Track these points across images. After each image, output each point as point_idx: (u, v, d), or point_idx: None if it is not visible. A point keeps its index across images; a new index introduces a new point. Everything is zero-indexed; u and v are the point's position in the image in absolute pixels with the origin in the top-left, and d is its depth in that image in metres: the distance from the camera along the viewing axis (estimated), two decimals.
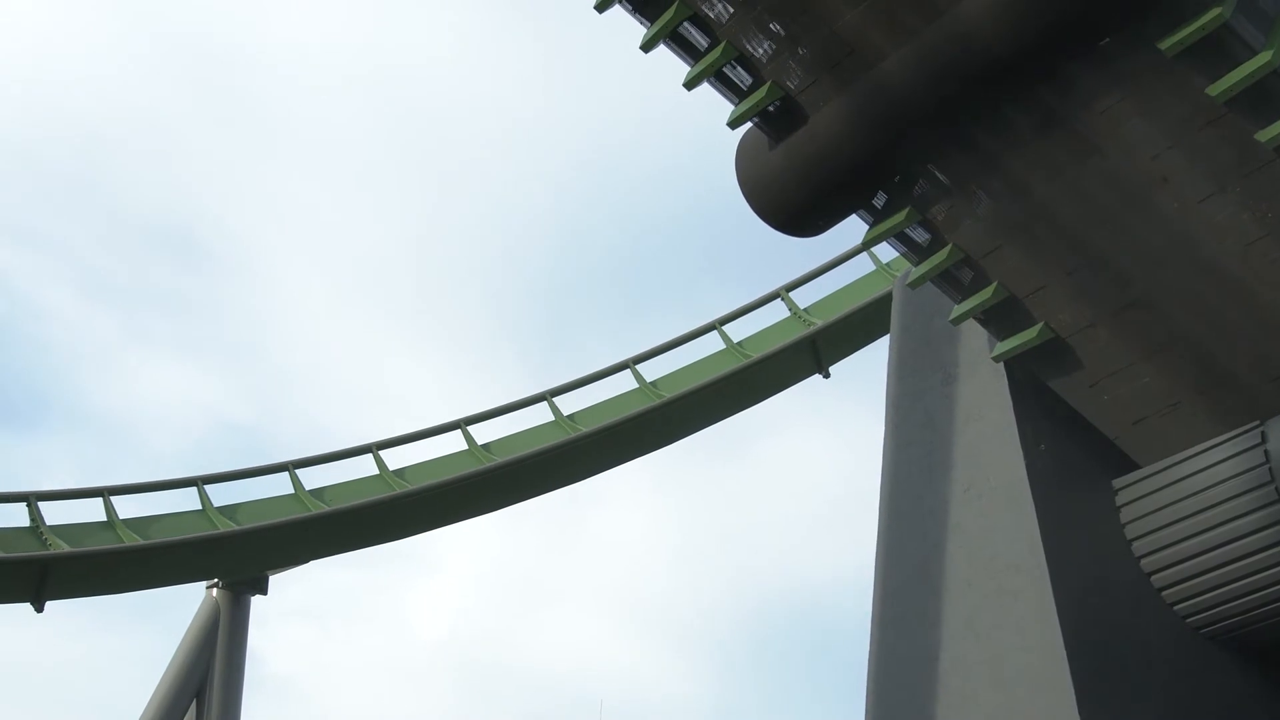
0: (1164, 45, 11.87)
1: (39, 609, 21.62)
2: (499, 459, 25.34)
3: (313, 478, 24.77)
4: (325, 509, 24.08)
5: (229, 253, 62.15)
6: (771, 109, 13.95)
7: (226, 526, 22.88)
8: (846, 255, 28.02)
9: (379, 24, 61.19)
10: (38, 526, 23.00)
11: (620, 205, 62.25)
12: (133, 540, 22.73)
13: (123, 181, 61.79)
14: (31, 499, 23.38)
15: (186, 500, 24.25)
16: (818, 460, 61.08)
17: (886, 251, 24.55)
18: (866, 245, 15.65)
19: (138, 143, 61.40)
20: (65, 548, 22.49)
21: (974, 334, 15.12)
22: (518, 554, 59.85)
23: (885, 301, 25.33)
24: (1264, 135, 12.02)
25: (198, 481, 24.29)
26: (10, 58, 60.84)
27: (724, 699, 59.64)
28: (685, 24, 13.80)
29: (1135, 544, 14.30)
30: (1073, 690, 13.13)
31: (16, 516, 23.33)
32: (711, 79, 14.05)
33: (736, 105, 14.08)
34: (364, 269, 62.13)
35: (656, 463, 25.92)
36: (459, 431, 25.77)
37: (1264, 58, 11.75)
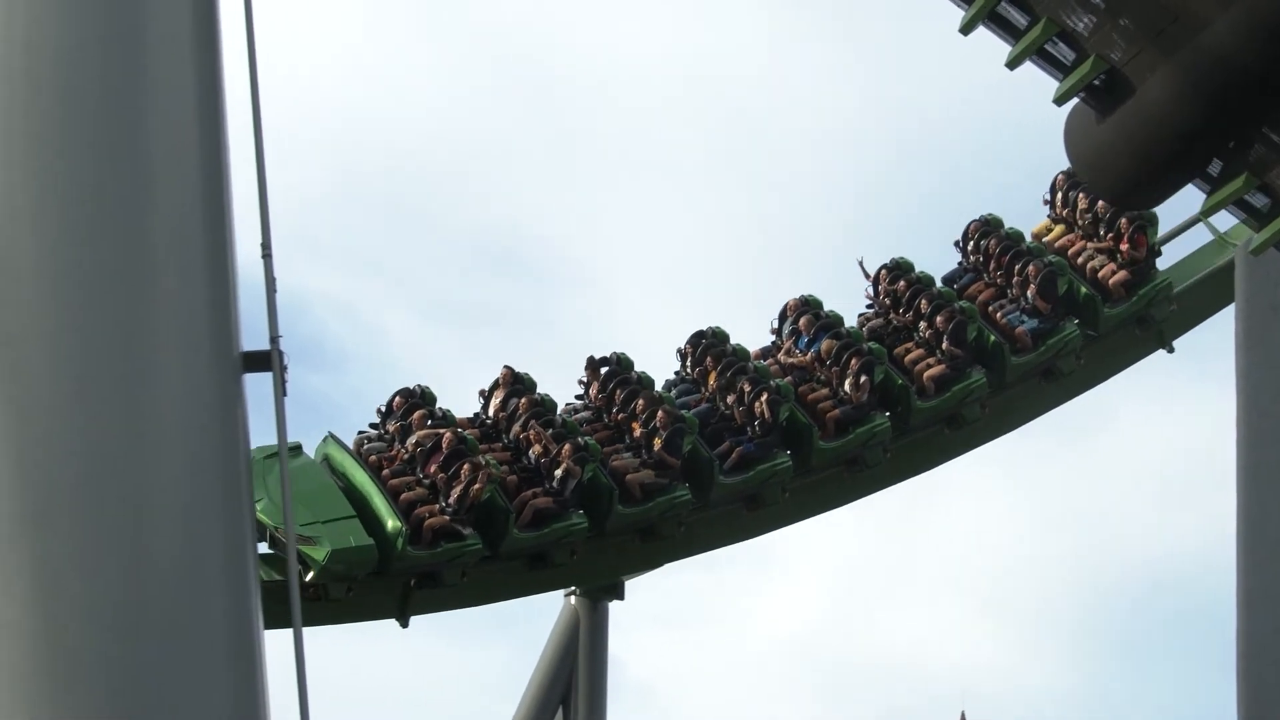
0: None
1: (404, 624, 22.08)
2: None
3: None
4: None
5: (558, 267, 63.13)
6: (1097, 83, 13.78)
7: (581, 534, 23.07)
8: (1183, 226, 27.47)
9: (693, 37, 61.57)
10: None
11: (939, 190, 61.62)
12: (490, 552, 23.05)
13: (452, 204, 63.22)
14: None
15: None
16: (1163, 437, 59.65)
17: (1225, 220, 24.00)
18: (1205, 214, 15.34)
19: (466, 166, 62.74)
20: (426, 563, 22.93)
21: None
22: (864, 549, 59.65)
23: (1228, 271, 24.78)
24: None
25: None
26: (347, 98, 62.72)
27: (1083, 683, 58.64)
28: (1003, 3, 13.73)
29: None
30: None
31: None
32: (1034, 57, 13.96)
33: (1061, 82, 13.95)
34: (696, 273, 62.55)
35: (999, 450, 25.79)
36: None
37: None
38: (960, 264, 26.84)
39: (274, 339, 10.32)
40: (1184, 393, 54.79)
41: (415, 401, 23.23)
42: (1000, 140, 62.39)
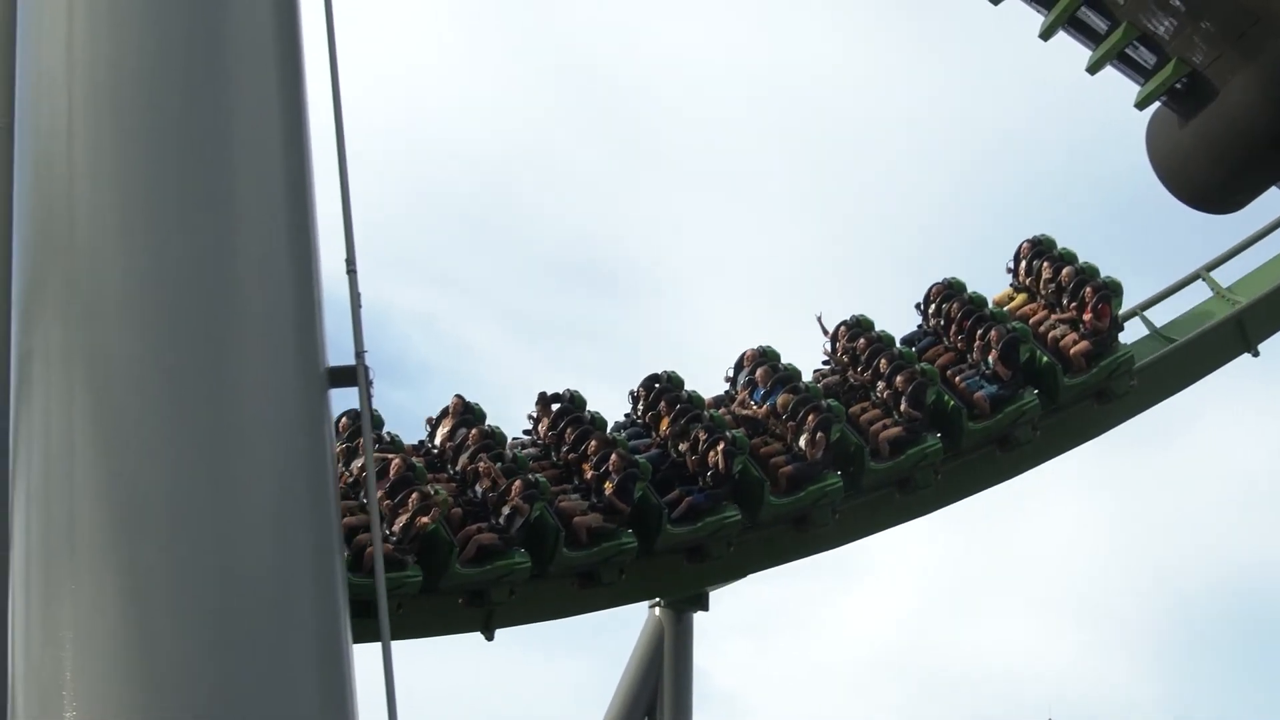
0: None
1: (489, 638, 22.11)
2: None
3: None
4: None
5: (639, 279, 63.38)
6: (1178, 86, 13.76)
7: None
8: (1268, 229, 27.25)
9: (768, 49, 61.71)
10: None
11: (1021, 198, 61.47)
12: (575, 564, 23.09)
13: (532, 219, 63.56)
14: None
15: None
16: (1249, 440, 59.22)
17: None
18: None
19: (544, 181, 63.12)
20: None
21: None
22: (946, 557, 59.51)
23: None
24: None
25: None
26: (430, 114, 63.23)
27: (1171, 691, 58.28)
28: (1083, 8, 13.73)
29: None
30: None
31: None
32: (1114, 61, 13.95)
33: (1142, 86, 13.94)
34: (778, 281, 62.58)
35: (1080, 457, 25.67)
36: None
37: None
38: (920, 326, 26.26)
39: (359, 354, 10.39)
40: (1269, 395, 54.39)
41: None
42: (1079, 146, 62.14)
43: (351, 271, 10.62)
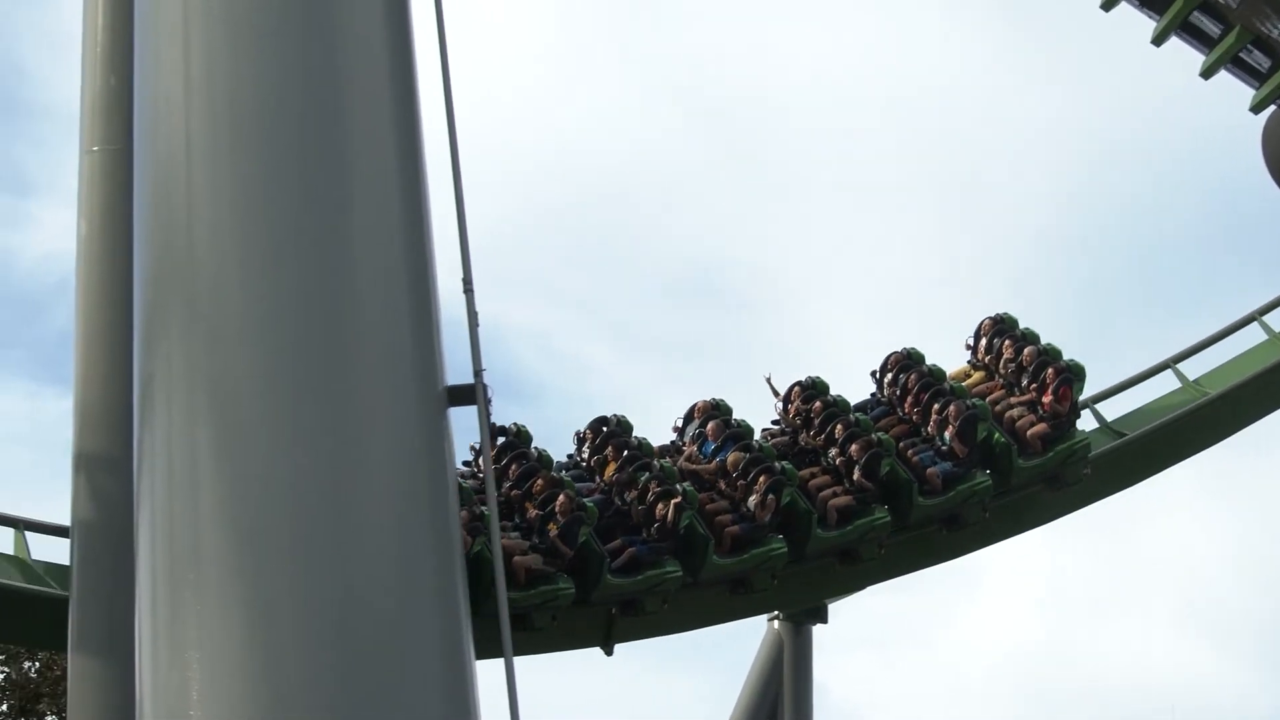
0: None
1: (609, 653, 22.13)
2: None
3: None
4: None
5: (754, 293, 63.39)
6: None
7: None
8: None
9: (882, 58, 61.62)
10: None
11: (1136, 203, 61.01)
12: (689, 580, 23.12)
13: (646, 234, 63.76)
14: None
15: None
16: None
17: None
18: None
19: (658, 196, 63.30)
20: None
21: None
22: (1066, 567, 59.07)
23: None
24: None
25: None
26: (542, 131, 63.60)
27: None
28: (1196, 13, 13.65)
29: None
30: None
31: None
32: (1228, 65, 13.84)
33: (1257, 89, 13.83)
34: (894, 293, 62.45)
35: (1202, 463, 25.33)
36: None
37: None
38: (873, 395, 25.48)
39: (478, 373, 10.44)
40: None
41: None
42: (1194, 151, 61.62)
43: (468, 290, 10.68)
